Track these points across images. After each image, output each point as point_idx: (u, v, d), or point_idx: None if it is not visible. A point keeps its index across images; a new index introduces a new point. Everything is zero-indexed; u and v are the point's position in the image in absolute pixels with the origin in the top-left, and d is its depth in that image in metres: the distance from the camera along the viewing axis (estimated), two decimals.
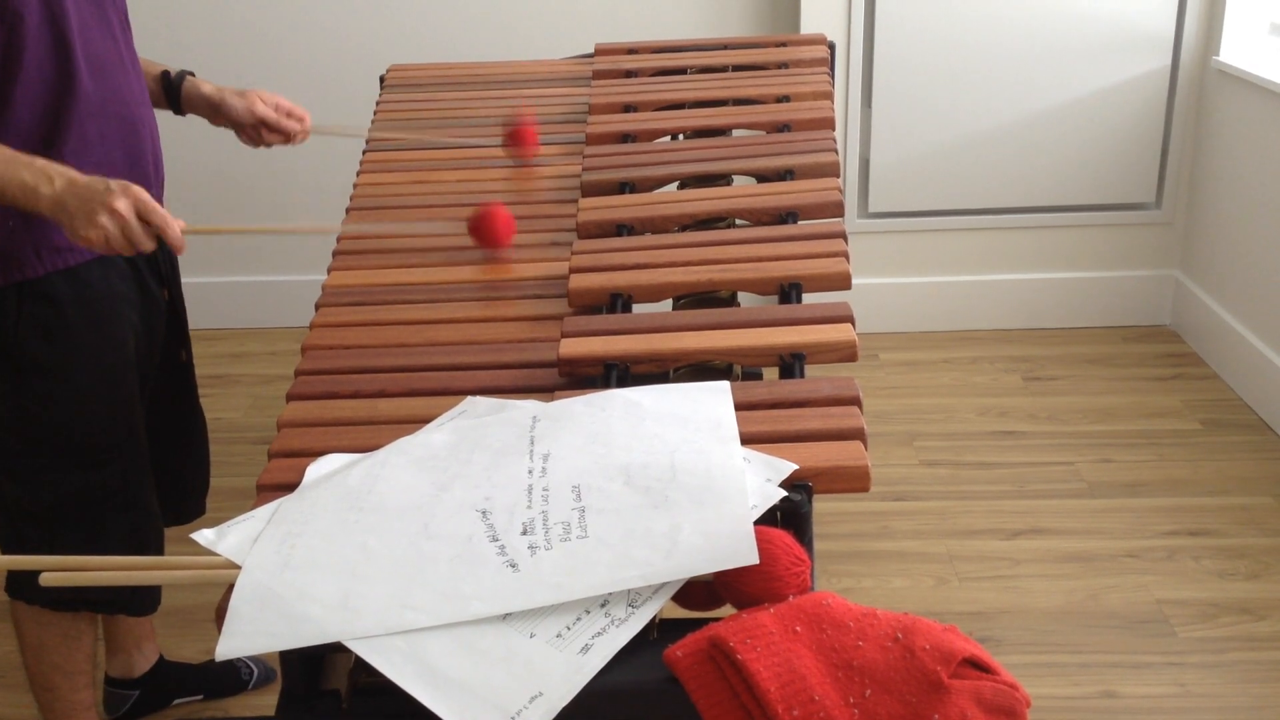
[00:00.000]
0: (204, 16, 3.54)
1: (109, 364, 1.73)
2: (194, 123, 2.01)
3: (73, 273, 1.68)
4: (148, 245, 1.48)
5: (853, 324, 1.51)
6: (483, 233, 1.78)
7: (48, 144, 1.61)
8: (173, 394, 1.94)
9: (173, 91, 1.90)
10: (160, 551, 1.88)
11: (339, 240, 1.93)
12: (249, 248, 3.78)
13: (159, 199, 1.80)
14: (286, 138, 1.95)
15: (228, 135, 1.99)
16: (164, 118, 1.87)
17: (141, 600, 1.89)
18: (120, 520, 1.78)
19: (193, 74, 1.93)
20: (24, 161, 1.48)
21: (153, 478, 1.85)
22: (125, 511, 1.79)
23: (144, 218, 1.47)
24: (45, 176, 1.47)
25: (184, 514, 2.00)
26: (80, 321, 1.69)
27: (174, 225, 1.49)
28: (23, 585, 1.79)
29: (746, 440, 1.26)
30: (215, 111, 1.92)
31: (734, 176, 2.06)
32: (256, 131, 1.93)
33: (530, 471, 1.23)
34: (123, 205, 1.45)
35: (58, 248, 1.65)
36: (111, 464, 1.76)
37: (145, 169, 1.74)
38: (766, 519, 1.16)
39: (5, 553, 1.78)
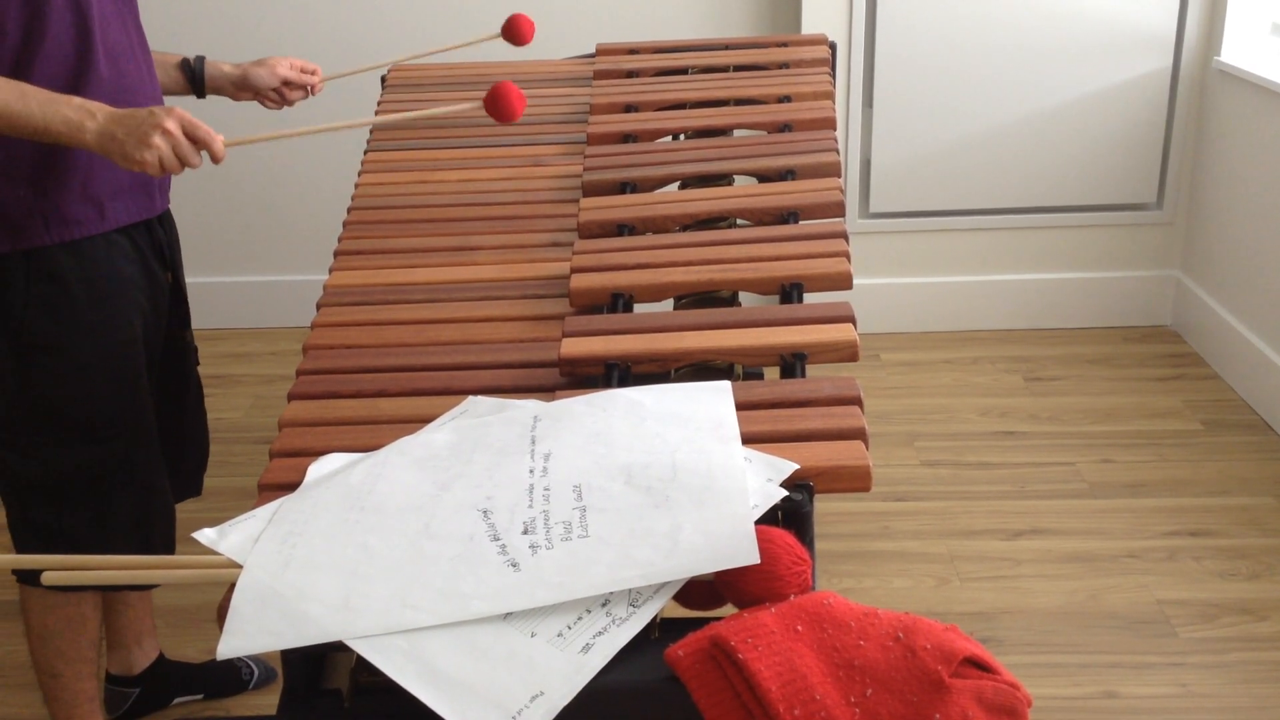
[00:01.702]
0: (204, 17, 3.54)
1: (114, 342, 1.75)
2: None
3: (79, 250, 1.70)
4: (196, 161, 1.57)
5: (854, 324, 1.51)
6: (497, 106, 1.92)
7: None
8: (176, 375, 1.97)
9: (195, 76, 2.02)
10: (170, 528, 1.91)
11: (340, 240, 1.93)
12: (250, 248, 3.79)
13: (165, 190, 1.83)
14: (306, 91, 2.13)
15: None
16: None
17: None
18: (127, 497, 1.81)
19: (204, 57, 2.04)
20: (62, 99, 1.56)
21: (160, 456, 1.87)
22: (132, 488, 1.82)
23: (191, 135, 1.56)
24: (87, 112, 1.55)
25: (186, 491, 2.03)
26: (86, 300, 1.72)
27: (218, 139, 1.58)
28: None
29: (748, 440, 1.26)
30: (239, 86, 2.06)
31: (735, 176, 2.06)
32: (279, 94, 2.10)
33: (531, 471, 1.23)
34: (173, 124, 1.54)
35: (66, 220, 1.68)
36: (116, 440, 1.78)
37: None
38: (768, 519, 1.16)
39: (11, 526, 1.82)
